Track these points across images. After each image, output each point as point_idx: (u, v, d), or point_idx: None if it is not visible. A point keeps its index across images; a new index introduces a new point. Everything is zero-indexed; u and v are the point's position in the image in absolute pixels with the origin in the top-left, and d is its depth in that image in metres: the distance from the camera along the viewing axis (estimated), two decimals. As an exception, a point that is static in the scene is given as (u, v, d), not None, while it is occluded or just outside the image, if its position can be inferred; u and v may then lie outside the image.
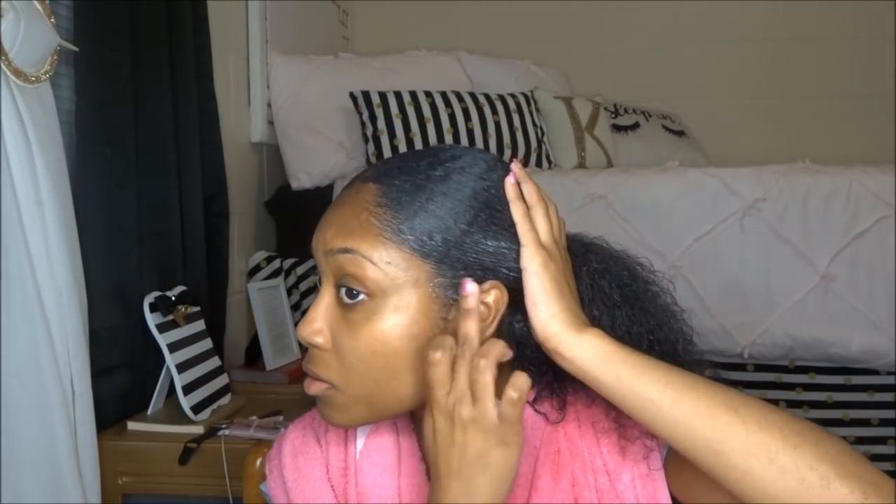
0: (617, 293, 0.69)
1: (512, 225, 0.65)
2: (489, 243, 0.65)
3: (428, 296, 0.64)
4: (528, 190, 0.66)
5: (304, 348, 0.74)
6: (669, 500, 0.67)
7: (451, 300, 0.65)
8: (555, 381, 0.69)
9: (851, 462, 0.55)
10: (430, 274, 0.64)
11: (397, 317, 0.64)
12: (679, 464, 0.65)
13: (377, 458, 0.73)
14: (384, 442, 0.74)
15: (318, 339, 0.66)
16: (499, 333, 0.66)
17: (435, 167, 0.67)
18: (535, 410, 0.70)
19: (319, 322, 0.67)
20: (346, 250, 0.65)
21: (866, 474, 0.54)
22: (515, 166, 0.67)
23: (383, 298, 0.64)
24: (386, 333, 0.64)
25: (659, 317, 0.70)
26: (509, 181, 0.66)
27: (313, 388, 0.67)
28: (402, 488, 0.71)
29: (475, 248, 0.64)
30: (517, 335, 0.68)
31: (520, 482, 0.68)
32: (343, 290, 0.65)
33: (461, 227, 0.64)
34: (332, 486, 0.74)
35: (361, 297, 0.64)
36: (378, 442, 0.74)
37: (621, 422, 0.67)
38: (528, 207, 0.66)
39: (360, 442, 0.74)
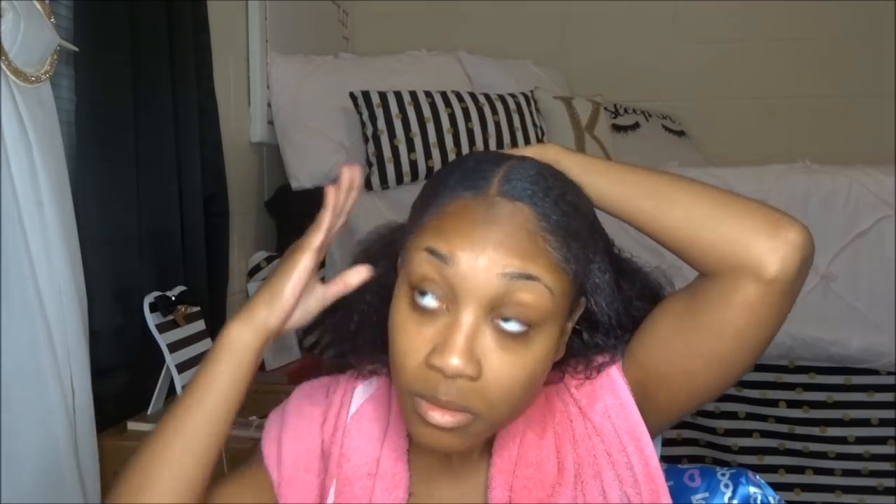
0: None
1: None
2: (605, 276, 0.67)
3: (563, 321, 0.65)
4: None
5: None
6: (644, 427, 0.69)
7: (566, 326, 0.67)
8: None
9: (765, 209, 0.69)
10: (571, 303, 0.65)
11: (548, 343, 0.63)
12: (633, 354, 0.70)
13: (366, 426, 0.74)
14: (378, 413, 0.75)
15: (474, 372, 0.60)
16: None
17: (567, 183, 0.67)
18: None
19: (475, 350, 0.60)
20: (529, 277, 0.60)
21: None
22: None
23: (543, 326, 0.62)
24: (543, 361, 0.63)
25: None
26: None
27: (451, 419, 0.61)
28: (382, 459, 0.72)
29: (592, 277, 0.67)
30: None
31: (508, 440, 0.70)
32: (505, 318, 0.61)
33: (590, 256, 0.66)
34: (322, 439, 0.75)
35: (521, 325, 0.61)
36: (371, 410, 0.75)
37: (587, 364, 0.70)
38: None
39: (355, 406, 0.76)
